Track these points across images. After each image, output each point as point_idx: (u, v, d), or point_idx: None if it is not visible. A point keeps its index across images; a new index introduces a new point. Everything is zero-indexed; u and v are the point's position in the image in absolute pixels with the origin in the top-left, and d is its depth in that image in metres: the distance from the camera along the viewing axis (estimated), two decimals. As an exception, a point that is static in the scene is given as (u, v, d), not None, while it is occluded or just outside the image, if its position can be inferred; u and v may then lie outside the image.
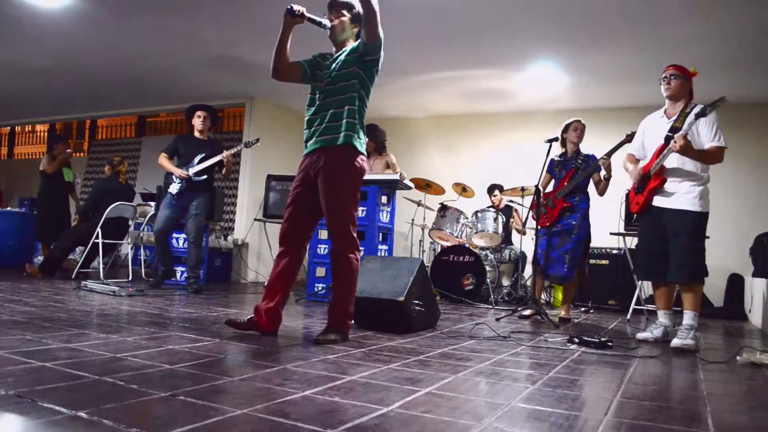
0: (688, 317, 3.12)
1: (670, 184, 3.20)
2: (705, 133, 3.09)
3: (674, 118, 3.21)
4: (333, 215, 2.64)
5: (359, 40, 2.66)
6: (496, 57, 5.59)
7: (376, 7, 2.48)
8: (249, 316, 2.73)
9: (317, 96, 2.73)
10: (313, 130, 2.69)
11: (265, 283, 2.80)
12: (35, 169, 10.96)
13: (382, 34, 2.59)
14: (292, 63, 2.70)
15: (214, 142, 5.32)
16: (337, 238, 2.67)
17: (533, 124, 7.13)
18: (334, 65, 2.70)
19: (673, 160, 3.17)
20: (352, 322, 2.81)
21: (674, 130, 3.15)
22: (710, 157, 3.08)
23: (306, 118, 2.76)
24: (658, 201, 3.25)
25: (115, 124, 10.29)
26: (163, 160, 5.05)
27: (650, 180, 3.27)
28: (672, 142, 3.03)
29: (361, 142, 2.69)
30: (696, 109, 3.10)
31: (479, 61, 5.74)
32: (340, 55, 2.71)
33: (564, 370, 2.25)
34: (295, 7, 2.52)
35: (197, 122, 5.16)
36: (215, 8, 4.81)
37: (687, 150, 3.01)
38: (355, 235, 2.68)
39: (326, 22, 2.62)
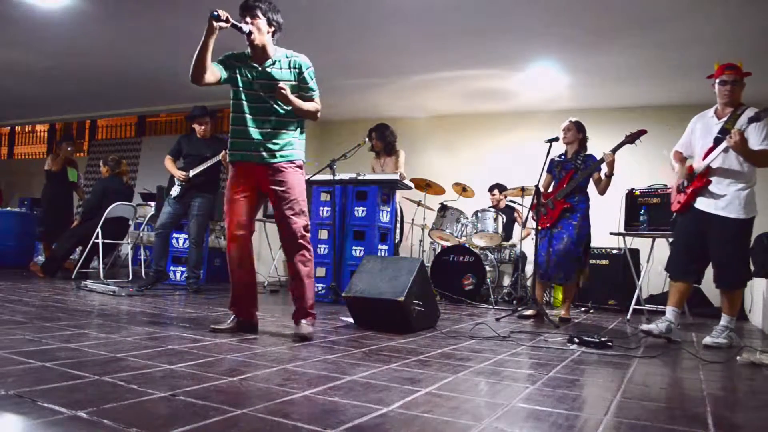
0: (724, 320, 3.17)
1: (716, 186, 3.15)
2: (753, 136, 3.03)
3: (725, 119, 3.16)
4: (294, 221, 2.76)
5: (299, 69, 2.75)
6: (496, 57, 5.59)
7: (308, 107, 2.74)
8: (232, 318, 2.84)
9: (249, 103, 2.74)
10: (256, 142, 2.73)
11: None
12: (35, 169, 10.99)
13: (319, 108, 2.82)
14: (211, 67, 2.65)
15: (219, 140, 5.29)
16: (301, 242, 2.78)
17: (533, 124, 7.13)
18: (265, 77, 2.71)
19: (719, 161, 3.13)
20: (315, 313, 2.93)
21: (724, 131, 3.11)
22: (760, 158, 3.03)
23: (239, 126, 2.75)
24: (702, 203, 3.20)
25: (115, 124, 10.29)
26: (168, 162, 5.08)
27: (694, 180, 3.22)
28: (728, 137, 3.00)
29: (303, 152, 2.85)
30: (749, 113, 3.08)
31: (479, 61, 5.74)
32: (271, 67, 2.72)
33: (564, 370, 2.25)
34: (220, 12, 2.51)
35: (198, 129, 5.18)
36: (215, 8, 4.80)
37: (741, 146, 2.97)
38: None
39: (245, 27, 2.62)
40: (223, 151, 4.91)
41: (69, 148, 6.50)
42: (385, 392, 1.71)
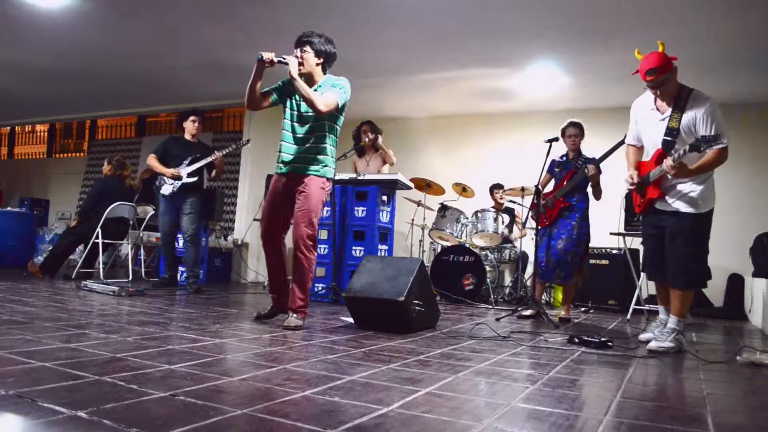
0: (672, 321, 2.98)
1: (671, 188, 3.01)
2: (704, 134, 2.86)
3: (668, 114, 2.97)
4: (301, 230, 3.09)
5: (327, 85, 3.09)
6: (496, 57, 5.59)
7: (310, 95, 2.93)
8: (270, 306, 3.32)
9: (293, 123, 3.14)
10: (296, 157, 3.11)
11: (267, 282, 3.20)
12: (35, 169, 11.02)
13: (331, 106, 3.00)
14: (263, 94, 3.13)
15: (204, 144, 5.42)
16: (301, 248, 3.11)
17: (533, 124, 7.13)
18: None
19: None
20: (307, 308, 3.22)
21: (671, 131, 2.94)
22: (711, 164, 2.87)
23: (286, 142, 3.15)
24: (660, 204, 3.09)
25: (115, 124, 10.29)
26: (153, 160, 5.14)
27: (649, 186, 3.09)
28: (665, 165, 2.87)
29: (330, 168, 3.19)
30: (695, 102, 2.88)
31: (479, 61, 5.74)
32: (316, 91, 3.06)
33: (564, 370, 2.25)
34: (265, 56, 2.89)
35: (191, 126, 5.26)
36: (215, 9, 4.81)
37: (682, 174, 2.87)
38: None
39: (291, 60, 2.95)
40: (216, 152, 5.06)
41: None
42: (385, 392, 1.71)
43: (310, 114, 3.06)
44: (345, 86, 3.09)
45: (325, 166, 3.13)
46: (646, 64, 2.95)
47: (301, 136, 3.10)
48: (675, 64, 2.93)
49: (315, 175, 3.09)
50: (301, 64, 3.00)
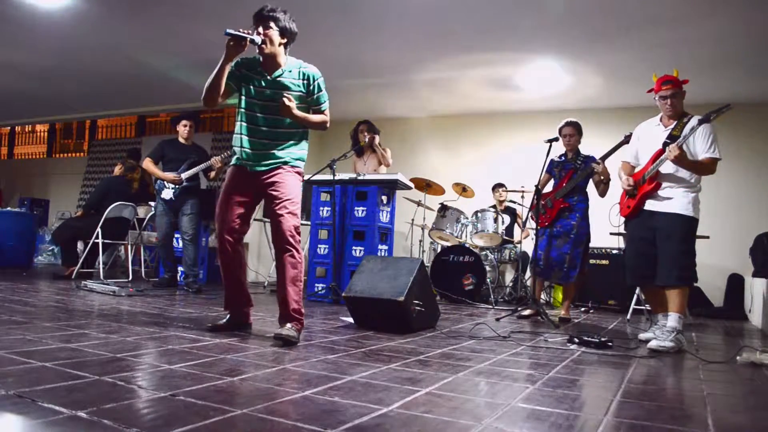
0: (672, 319, 3.03)
1: (664, 189, 3.16)
2: (700, 144, 3.05)
3: (672, 126, 3.17)
4: (287, 222, 2.67)
5: (309, 79, 2.72)
6: (497, 56, 5.59)
7: (317, 120, 2.77)
8: (227, 317, 2.83)
9: (256, 112, 2.71)
10: (258, 150, 2.71)
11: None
12: (35, 169, 11.02)
13: (327, 120, 2.84)
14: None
15: (200, 147, 5.47)
16: (290, 241, 2.68)
17: (533, 124, 7.13)
18: (274, 86, 2.69)
19: (668, 166, 3.13)
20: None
21: (672, 138, 3.11)
22: (703, 168, 3.06)
23: (244, 132, 2.73)
24: (650, 205, 3.21)
25: (115, 124, 10.30)
26: (150, 165, 5.16)
27: (644, 184, 3.22)
28: (667, 150, 3.00)
29: (303, 161, 2.84)
30: (694, 121, 3.08)
31: (479, 61, 5.74)
32: (281, 77, 2.69)
33: (564, 370, 2.25)
34: (231, 30, 2.51)
35: (183, 130, 5.32)
36: (214, 9, 4.81)
37: (681, 159, 2.99)
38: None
39: (257, 38, 2.59)
40: (216, 157, 5.14)
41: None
42: (385, 392, 1.71)
43: (275, 104, 2.67)
44: (323, 84, 2.79)
45: (298, 158, 2.79)
46: (662, 78, 3.22)
47: (266, 128, 2.71)
48: (684, 89, 3.21)
49: (289, 166, 2.74)
50: (264, 42, 2.60)
